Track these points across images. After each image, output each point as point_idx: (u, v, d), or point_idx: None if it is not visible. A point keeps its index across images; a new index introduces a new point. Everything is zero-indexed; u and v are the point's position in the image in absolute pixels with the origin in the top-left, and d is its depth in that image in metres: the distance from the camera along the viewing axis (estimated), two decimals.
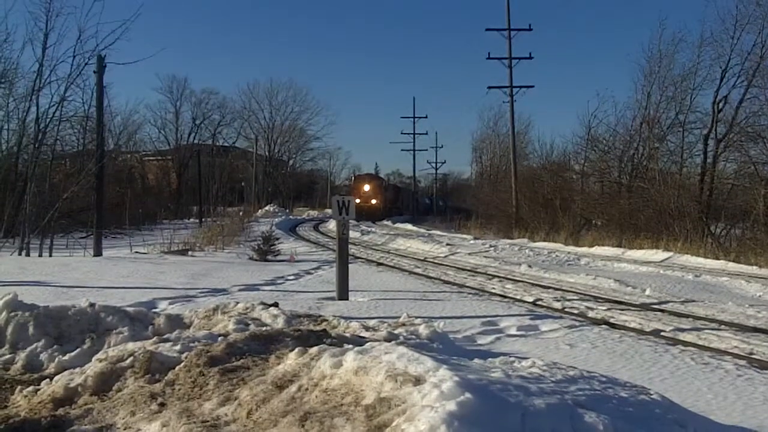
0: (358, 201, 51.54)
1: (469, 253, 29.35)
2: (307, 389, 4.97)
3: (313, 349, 5.67)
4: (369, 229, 49.00)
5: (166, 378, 6.06)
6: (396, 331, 8.82)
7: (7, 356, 8.31)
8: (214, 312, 9.93)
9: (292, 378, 5.27)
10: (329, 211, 61.44)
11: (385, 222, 65.18)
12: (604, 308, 14.79)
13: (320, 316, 10.20)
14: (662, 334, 11.91)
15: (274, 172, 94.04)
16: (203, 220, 48.52)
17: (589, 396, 4.76)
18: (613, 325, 12.63)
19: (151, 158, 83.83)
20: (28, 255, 25.73)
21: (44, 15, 29.91)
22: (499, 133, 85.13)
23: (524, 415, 4.22)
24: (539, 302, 15.55)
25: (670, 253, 28.51)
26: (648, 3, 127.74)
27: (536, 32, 61.72)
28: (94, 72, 27.24)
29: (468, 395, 4.20)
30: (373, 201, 70.42)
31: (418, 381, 4.54)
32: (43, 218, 27.49)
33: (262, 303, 10.59)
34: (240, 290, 15.56)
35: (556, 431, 4.22)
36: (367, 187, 72.27)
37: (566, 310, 14.52)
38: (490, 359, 6.02)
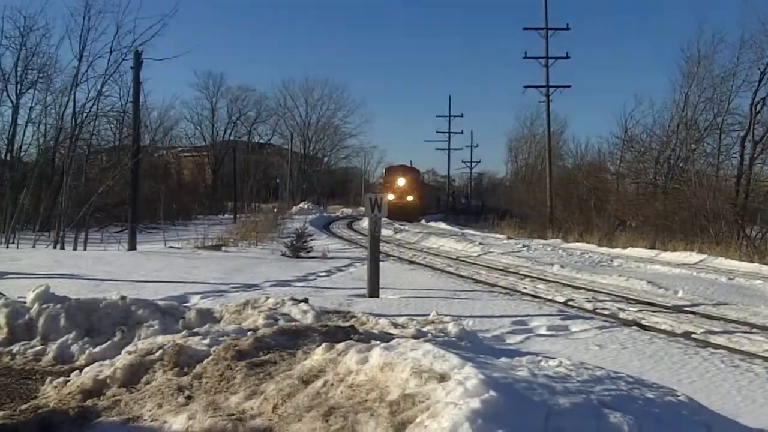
0: (391, 197, 50.51)
1: (502, 253, 29.28)
2: (332, 384, 4.99)
3: (340, 345, 5.68)
4: (402, 227, 48.80)
5: (194, 371, 6.10)
6: (424, 329, 8.81)
7: (39, 347, 8.40)
8: (245, 307, 9.98)
9: (318, 373, 5.28)
10: (363, 209, 60.81)
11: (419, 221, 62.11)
12: (636, 309, 14.71)
13: (349, 312, 10.22)
14: (693, 336, 11.83)
15: (308, 170, 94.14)
16: (237, 216, 48.72)
17: (614, 396, 4.74)
18: (643, 327, 12.55)
19: (187, 154, 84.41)
20: (63, 248, 26.02)
21: (83, 11, 30.33)
22: (534, 133, 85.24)
23: (548, 413, 4.22)
24: (570, 303, 15.49)
25: (704, 256, 28.26)
26: (687, 4, 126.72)
27: (574, 31, 61.36)
28: (131, 67, 27.54)
29: (492, 393, 4.20)
30: (409, 198, 63.02)
31: (442, 378, 4.54)
32: (78, 212, 27.79)
33: (293, 298, 10.63)
34: (271, 286, 15.62)
35: (580, 431, 4.21)
36: (401, 181, 64.63)
37: (597, 311, 14.44)
38: (517, 358, 6.01)
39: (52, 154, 35.98)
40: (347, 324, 8.24)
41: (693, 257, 28.28)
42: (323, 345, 5.88)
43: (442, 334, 8.57)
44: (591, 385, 4.91)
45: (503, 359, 5.71)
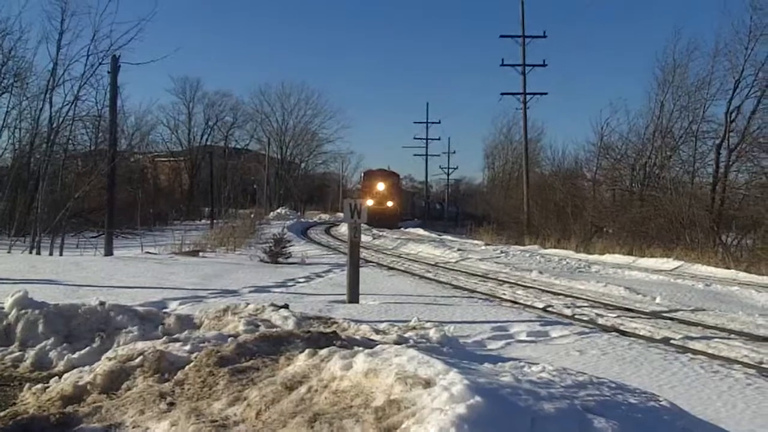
0: (371, 203, 50.56)
1: (480, 259, 29.33)
2: (316, 390, 4.96)
3: (323, 351, 5.67)
4: (380, 233, 48.71)
5: (175, 377, 6.06)
6: (406, 335, 8.80)
7: (17, 353, 8.32)
8: (225, 313, 9.92)
9: (302, 379, 5.26)
10: (341, 214, 60.22)
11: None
12: (614, 315, 14.78)
13: (330, 318, 10.19)
14: (672, 342, 11.91)
15: (286, 175, 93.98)
16: (215, 221, 48.58)
17: (598, 401, 4.75)
18: (623, 333, 12.62)
19: (164, 159, 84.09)
20: (39, 253, 25.84)
21: (60, 14, 30.10)
22: (512, 140, 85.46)
23: (534, 419, 4.21)
24: (549, 308, 15.54)
25: (681, 262, 28.46)
26: (663, 12, 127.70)
27: (550, 40, 61.85)
28: (108, 72, 27.34)
29: (478, 398, 4.19)
30: (389, 203, 61.70)
31: (428, 384, 4.53)
32: (54, 217, 27.61)
33: (273, 304, 10.58)
34: (250, 292, 15.55)
35: None
36: (381, 186, 62.69)
37: (576, 316, 14.50)
38: (500, 364, 6.00)
39: (27, 159, 35.68)
40: (329, 330, 8.19)
41: (670, 264, 28.47)
42: (306, 351, 5.87)
43: (424, 340, 8.56)
44: (575, 391, 4.92)
45: (486, 365, 5.71)
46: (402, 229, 59.16)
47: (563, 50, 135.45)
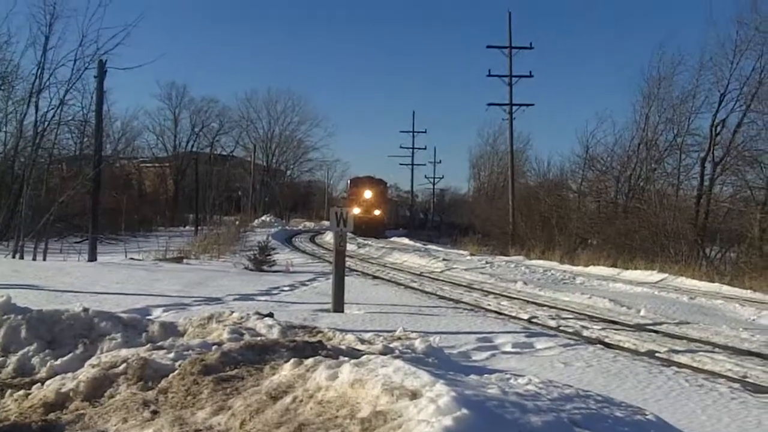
0: (357, 212, 50.26)
1: (465, 269, 29.31)
2: (301, 401, 4.93)
3: (309, 361, 5.63)
4: (365, 242, 48.49)
5: (159, 385, 6.01)
6: (391, 345, 8.77)
7: None
8: (209, 321, 9.86)
9: (287, 389, 5.22)
10: (326, 222, 60.08)
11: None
12: (599, 327, 14.78)
13: (315, 327, 10.14)
14: (657, 355, 11.90)
15: (271, 182, 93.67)
16: (199, 228, 48.41)
17: (585, 415, 4.73)
18: (607, 345, 12.61)
19: (149, 165, 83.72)
20: (22, 258, 25.70)
21: (45, 17, 30.00)
22: (497, 150, 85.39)
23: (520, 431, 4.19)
24: (534, 320, 15.53)
25: (665, 275, 28.49)
26: (650, 25, 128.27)
27: (537, 51, 61.85)
28: (95, 77, 27.29)
29: (465, 411, 4.16)
30: (377, 212, 60.94)
31: (414, 395, 4.49)
32: (38, 222, 27.46)
33: (257, 313, 10.53)
34: (235, 300, 15.51)
35: None
36: (368, 194, 61.78)
37: (561, 328, 14.50)
38: (486, 375, 5.98)
39: (12, 163, 35.50)
40: (314, 339, 8.16)
41: (654, 276, 28.51)
42: (291, 361, 5.83)
43: (409, 351, 8.53)
44: (561, 404, 4.90)
45: (473, 376, 5.68)
46: (387, 238, 58.75)
47: (550, 62, 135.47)
